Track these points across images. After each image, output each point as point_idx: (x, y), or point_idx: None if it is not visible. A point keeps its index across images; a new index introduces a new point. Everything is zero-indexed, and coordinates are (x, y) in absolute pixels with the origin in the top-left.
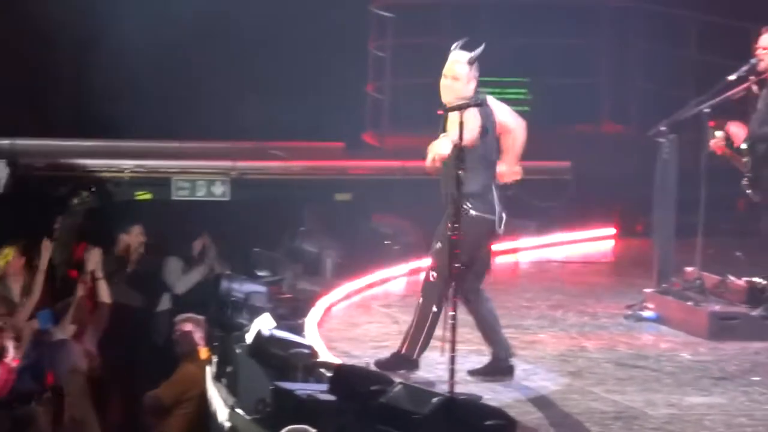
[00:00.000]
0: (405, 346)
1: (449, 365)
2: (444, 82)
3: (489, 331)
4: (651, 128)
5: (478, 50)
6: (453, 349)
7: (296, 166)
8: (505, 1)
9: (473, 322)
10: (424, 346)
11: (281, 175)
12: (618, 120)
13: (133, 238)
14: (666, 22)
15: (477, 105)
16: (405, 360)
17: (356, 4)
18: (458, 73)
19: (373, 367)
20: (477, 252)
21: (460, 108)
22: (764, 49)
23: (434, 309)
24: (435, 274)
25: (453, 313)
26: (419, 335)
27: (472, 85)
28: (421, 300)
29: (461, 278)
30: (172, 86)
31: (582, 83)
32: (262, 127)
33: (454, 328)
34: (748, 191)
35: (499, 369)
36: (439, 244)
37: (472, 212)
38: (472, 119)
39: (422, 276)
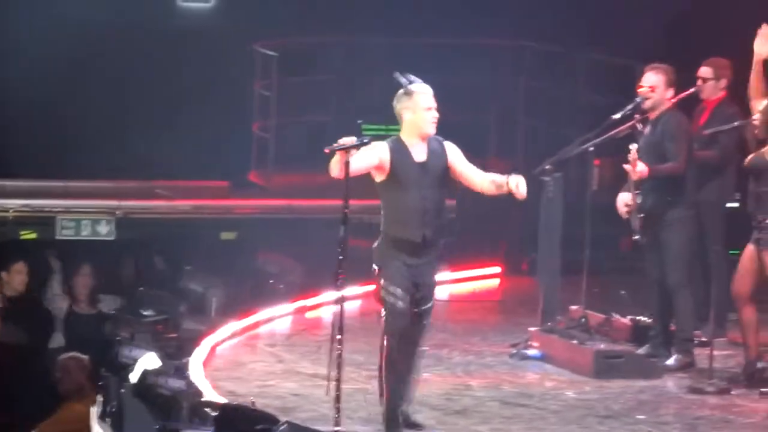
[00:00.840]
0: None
1: (335, 403)
2: (435, 114)
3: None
4: (537, 166)
5: (408, 79)
6: (338, 388)
7: (182, 205)
8: (393, 40)
9: (357, 361)
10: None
11: (167, 214)
12: (504, 157)
13: (14, 276)
14: (553, 60)
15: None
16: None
17: (240, 44)
18: (405, 106)
19: (257, 406)
20: None
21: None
22: (651, 89)
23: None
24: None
25: (339, 351)
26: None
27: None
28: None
29: None
30: (58, 125)
31: (470, 120)
32: (148, 166)
33: (339, 366)
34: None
35: None
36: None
37: None
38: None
39: (426, 326)
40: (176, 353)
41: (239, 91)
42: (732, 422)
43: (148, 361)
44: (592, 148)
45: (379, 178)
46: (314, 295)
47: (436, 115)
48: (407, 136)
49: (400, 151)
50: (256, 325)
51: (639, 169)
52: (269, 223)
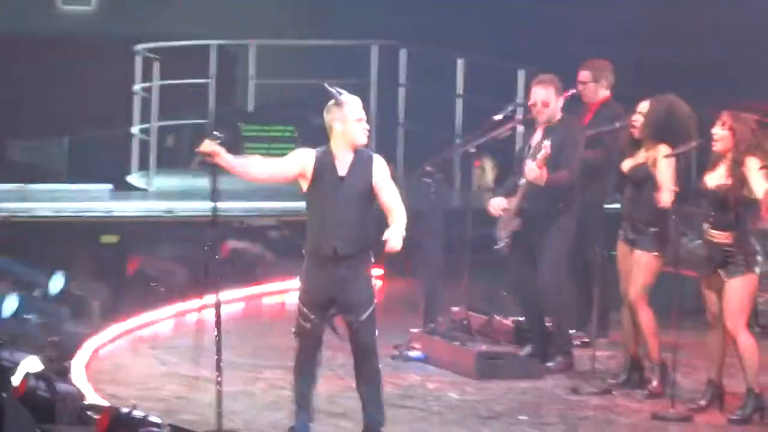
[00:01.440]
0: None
1: (217, 407)
2: (365, 126)
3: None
4: (416, 168)
5: (336, 90)
6: (219, 390)
7: (62, 207)
8: (272, 43)
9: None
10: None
11: (47, 217)
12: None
13: None
14: (433, 62)
15: None
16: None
17: (121, 47)
18: (334, 118)
19: (139, 409)
20: None
21: None
22: (544, 104)
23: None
24: (377, 330)
25: (217, 357)
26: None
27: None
28: (379, 367)
29: None
30: None
31: None
32: (27, 168)
33: (219, 367)
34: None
35: None
36: (374, 305)
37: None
38: None
39: (366, 339)
40: (58, 357)
41: (121, 93)
42: (614, 422)
43: (30, 364)
44: (473, 150)
45: (303, 187)
46: (195, 298)
47: (367, 126)
48: (336, 147)
49: (324, 162)
50: (139, 328)
51: (537, 174)
52: (150, 226)
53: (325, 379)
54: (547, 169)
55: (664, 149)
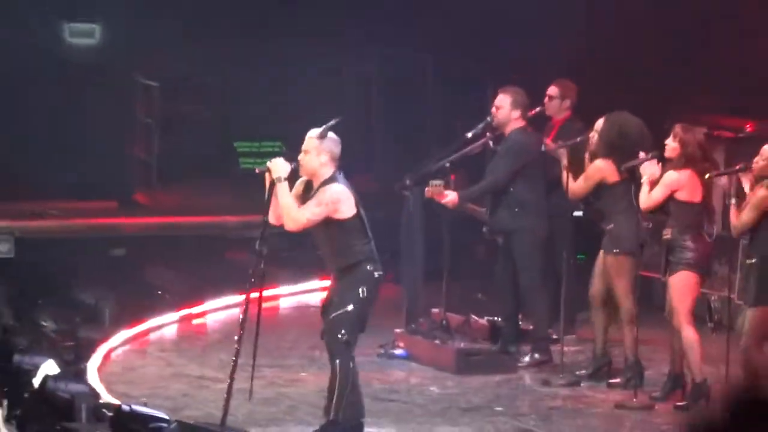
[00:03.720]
0: (333, 409)
1: (224, 404)
2: (300, 157)
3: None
4: (396, 182)
5: (329, 125)
6: (230, 388)
7: (74, 224)
8: (262, 69)
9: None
10: (352, 403)
11: (60, 233)
12: (364, 174)
13: None
14: (407, 84)
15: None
16: (336, 425)
17: (124, 76)
18: (307, 146)
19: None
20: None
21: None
22: (497, 108)
23: (351, 365)
24: (344, 333)
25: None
26: (343, 398)
27: (324, 157)
28: (338, 361)
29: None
30: None
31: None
32: (41, 189)
33: (235, 366)
34: (491, 236)
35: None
36: (351, 306)
37: (375, 273)
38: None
39: (328, 339)
40: (74, 360)
41: (124, 118)
42: (582, 412)
43: (48, 367)
44: (448, 164)
45: None
46: (198, 304)
47: (301, 156)
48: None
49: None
50: (146, 332)
51: (448, 199)
52: (155, 240)
53: (315, 376)
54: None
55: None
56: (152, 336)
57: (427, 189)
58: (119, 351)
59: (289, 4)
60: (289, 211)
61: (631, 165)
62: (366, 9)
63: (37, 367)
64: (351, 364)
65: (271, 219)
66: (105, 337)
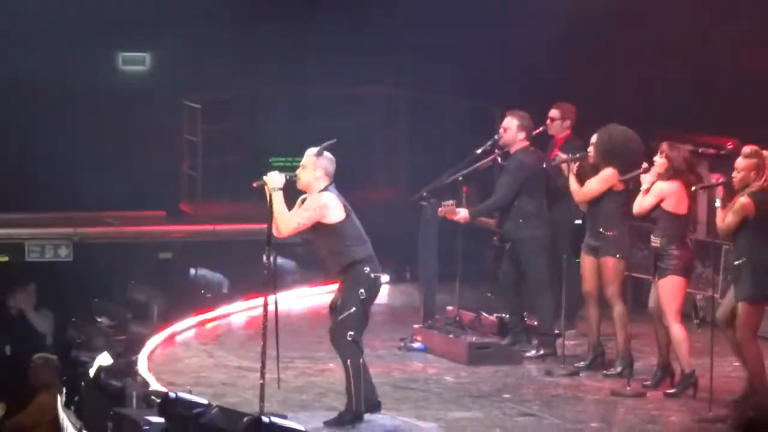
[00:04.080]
0: (353, 402)
1: (260, 390)
2: (297, 171)
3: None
4: (415, 194)
5: (325, 144)
6: (263, 376)
7: (126, 231)
8: (292, 91)
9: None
10: (366, 397)
11: (115, 238)
12: (391, 186)
13: None
14: (426, 105)
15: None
16: (354, 413)
17: (171, 99)
18: (305, 161)
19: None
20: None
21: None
22: (504, 129)
23: (360, 361)
24: (352, 333)
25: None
26: (359, 389)
27: (319, 173)
28: (348, 361)
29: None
30: (25, 169)
31: (360, 156)
32: (99, 199)
33: (264, 355)
34: (501, 243)
35: (347, 420)
36: (353, 309)
37: (372, 274)
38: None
39: (337, 341)
40: (125, 352)
41: (172, 137)
42: (582, 399)
43: (103, 359)
44: (461, 178)
45: None
46: (237, 302)
47: (299, 170)
48: None
49: None
50: (191, 327)
51: (460, 216)
52: (198, 245)
53: (342, 367)
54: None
55: (609, 171)
56: (196, 331)
57: (440, 210)
58: (166, 344)
59: (319, 27)
60: (281, 217)
61: (631, 176)
62: (392, 27)
63: (92, 360)
64: (360, 361)
65: (274, 231)
66: (153, 332)
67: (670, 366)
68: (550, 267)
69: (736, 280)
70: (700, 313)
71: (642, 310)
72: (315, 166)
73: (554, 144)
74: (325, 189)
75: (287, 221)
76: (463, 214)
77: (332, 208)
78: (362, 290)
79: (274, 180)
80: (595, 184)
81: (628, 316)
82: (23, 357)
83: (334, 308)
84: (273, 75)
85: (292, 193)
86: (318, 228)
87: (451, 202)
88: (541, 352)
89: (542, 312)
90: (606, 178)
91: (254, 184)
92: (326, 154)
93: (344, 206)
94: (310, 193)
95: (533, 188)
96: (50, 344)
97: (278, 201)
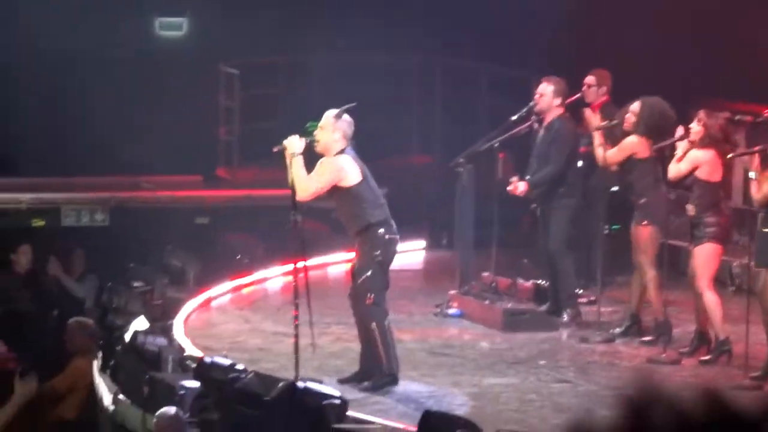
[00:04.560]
0: (385, 364)
1: (294, 356)
2: (316, 132)
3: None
4: (452, 160)
5: (345, 107)
6: (297, 342)
7: (163, 196)
8: (331, 59)
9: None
10: (395, 357)
11: (151, 203)
12: (425, 153)
13: (21, 256)
14: (461, 73)
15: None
16: (389, 375)
17: (208, 64)
18: (324, 123)
19: (228, 359)
20: (389, 267)
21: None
22: (540, 95)
23: (385, 323)
24: (373, 296)
25: (296, 314)
26: (389, 350)
27: (338, 134)
28: (374, 324)
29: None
30: (61, 133)
31: (397, 124)
32: (135, 164)
33: (297, 326)
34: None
35: (385, 382)
36: (370, 272)
37: (387, 236)
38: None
39: (359, 305)
40: (161, 317)
41: (208, 103)
42: (616, 365)
43: (139, 323)
44: (496, 144)
45: None
46: (273, 267)
47: (317, 131)
48: None
49: None
50: (227, 292)
51: (520, 190)
52: (235, 210)
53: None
54: (542, 160)
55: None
56: (232, 296)
57: (508, 188)
58: (202, 309)
59: None
60: (300, 181)
61: (668, 143)
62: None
63: (128, 324)
64: (386, 323)
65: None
66: (189, 297)
67: (707, 333)
68: (585, 232)
69: (760, 248)
70: (735, 280)
71: (679, 278)
72: (334, 128)
73: (592, 111)
74: (342, 151)
75: (305, 185)
76: (522, 187)
77: (348, 171)
78: (377, 252)
79: (294, 144)
80: (616, 152)
81: (663, 283)
82: (61, 323)
83: (354, 273)
84: (310, 42)
85: (312, 158)
86: (335, 191)
87: (515, 178)
88: (569, 312)
89: (564, 275)
90: (627, 146)
91: (274, 149)
92: (345, 116)
93: (360, 169)
94: (327, 155)
95: (569, 156)
96: (89, 309)
97: (298, 165)
